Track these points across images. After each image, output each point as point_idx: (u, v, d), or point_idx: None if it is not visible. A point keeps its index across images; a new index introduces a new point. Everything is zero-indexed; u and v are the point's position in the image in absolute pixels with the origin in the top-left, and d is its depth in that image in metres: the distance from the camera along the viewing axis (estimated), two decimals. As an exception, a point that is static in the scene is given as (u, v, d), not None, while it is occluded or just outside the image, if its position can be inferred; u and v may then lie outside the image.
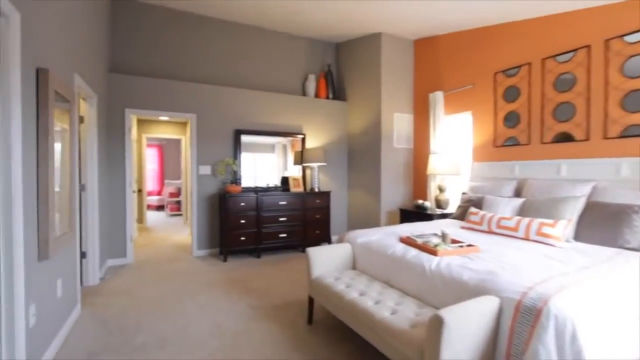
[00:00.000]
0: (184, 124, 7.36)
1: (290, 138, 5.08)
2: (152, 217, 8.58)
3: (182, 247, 5.03)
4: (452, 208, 4.17)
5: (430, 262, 2.01)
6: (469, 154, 4.12)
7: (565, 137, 3.18)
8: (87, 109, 3.32)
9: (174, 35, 4.58)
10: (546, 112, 3.32)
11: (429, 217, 4.00)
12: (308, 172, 5.18)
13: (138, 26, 4.37)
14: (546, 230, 2.42)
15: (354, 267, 2.63)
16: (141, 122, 6.95)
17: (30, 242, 1.78)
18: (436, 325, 1.35)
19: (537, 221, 2.50)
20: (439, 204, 4.17)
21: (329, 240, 4.88)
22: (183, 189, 7.49)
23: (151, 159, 10.01)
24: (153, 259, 4.38)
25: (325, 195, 4.85)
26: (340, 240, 2.85)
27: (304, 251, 4.68)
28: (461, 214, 3.50)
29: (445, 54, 4.46)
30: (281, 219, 4.51)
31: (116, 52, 4.27)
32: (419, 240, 2.38)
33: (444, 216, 4.01)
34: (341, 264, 2.57)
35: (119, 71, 4.24)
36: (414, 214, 4.24)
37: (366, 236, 2.70)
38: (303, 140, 5.13)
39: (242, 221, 4.28)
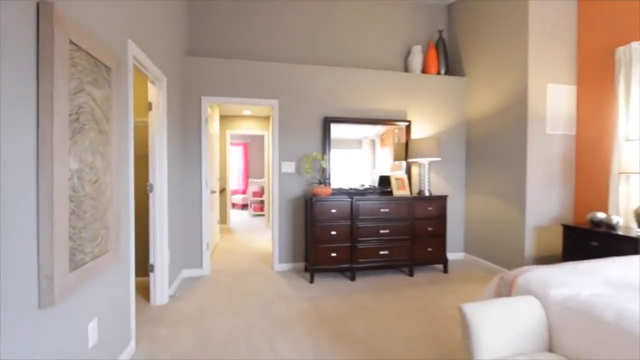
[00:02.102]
0: (267, 118, 6.85)
1: (383, 129, 3.94)
2: (236, 216, 8.41)
3: (262, 257, 4.36)
4: (670, 228, 2.56)
5: None
6: None
7: None
8: (156, 93, 2.77)
9: (253, 10, 3.90)
10: None
11: (626, 243, 2.47)
12: (414, 170, 4.01)
13: (215, 5, 3.80)
14: None
15: (549, 347, 1.42)
16: (224, 118, 6.65)
17: (22, 282, 1.09)
18: None
19: None
20: (643, 221, 2.59)
21: (445, 262, 3.64)
22: (266, 188, 7.01)
23: (237, 158, 9.97)
24: (231, 270, 3.76)
25: (439, 201, 3.62)
26: (508, 287, 1.65)
27: (411, 274, 3.54)
28: None
29: (647, -17, 2.82)
30: (382, 230, 3.46)
31: (192, 34, 3.76)
32: None
33: (652, 241, 2.45)
34: (525, 336, 1.39)
35: (195, 54, 3.73)
36: (590, 234, 2.74)
37: (566, 284, 1.48)
38: (407, 128, 3.97)
39: (333, 232, 3.35)
